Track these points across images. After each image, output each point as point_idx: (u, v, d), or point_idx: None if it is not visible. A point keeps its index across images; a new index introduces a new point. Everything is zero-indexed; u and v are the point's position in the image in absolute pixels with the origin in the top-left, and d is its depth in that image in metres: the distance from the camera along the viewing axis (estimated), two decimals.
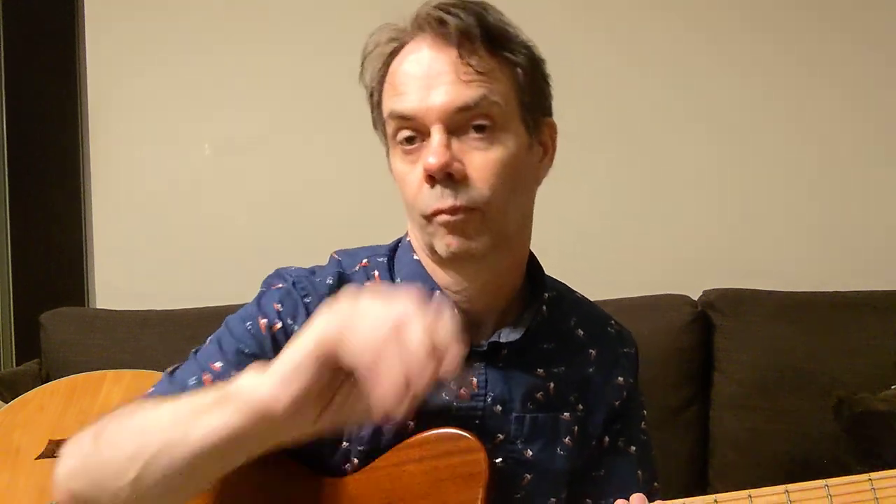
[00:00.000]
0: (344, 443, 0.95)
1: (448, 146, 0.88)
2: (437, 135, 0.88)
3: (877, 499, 0.85)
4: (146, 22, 2.17)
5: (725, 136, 2.14)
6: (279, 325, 0.94)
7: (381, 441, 0.95)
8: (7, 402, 1.54)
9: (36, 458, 1.39)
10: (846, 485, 0.86)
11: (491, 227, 0.90)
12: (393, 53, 0.93)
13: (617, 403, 1.05)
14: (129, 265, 2.21)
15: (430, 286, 0.96)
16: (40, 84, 2.19)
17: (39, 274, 2.19)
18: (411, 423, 0.94)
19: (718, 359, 1.90)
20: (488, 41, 0.89)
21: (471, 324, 0.97)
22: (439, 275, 0.96)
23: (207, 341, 0.98)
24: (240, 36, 2.17)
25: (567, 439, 1.00)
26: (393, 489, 0.94)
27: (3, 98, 2.18)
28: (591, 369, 1.04)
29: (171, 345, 1.82)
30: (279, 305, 0.95)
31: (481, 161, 0.89)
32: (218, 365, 0.92)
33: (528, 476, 0.99)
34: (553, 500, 1.01)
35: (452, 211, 0.88)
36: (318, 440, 0.92)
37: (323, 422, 0.74)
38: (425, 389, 0.65)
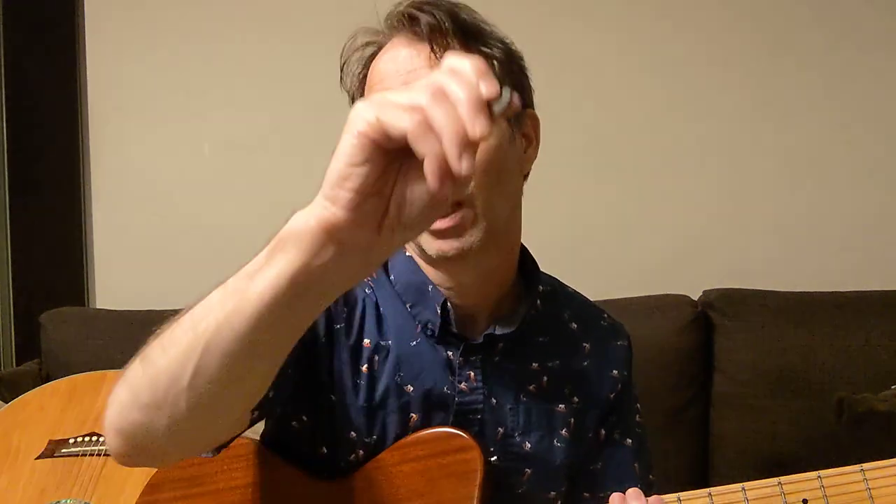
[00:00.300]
0: (352, 433, 0.96)
1: None
2: None
3: (869, 489, 0.86)
4: (146, 22, 2.17)
5: (725, 136, 2.14)
6: None
7: (386, 434, 0.96)
8: (7, 402, 1.54)
9: (36, 459, 1.39)
10: (838, 476, 0.87)
11: (482, 222, 0.90)
12: (372, 56, 0.94)
13: (612, 396, 1.06)
14: (129, 265, 2.21)
15: (423, 281, 0.97)
16: (40, 84, 2.18)
17: (39, 274, 2.19)
18: (414, 416, 0.95)
19: (718, 359, 1.90)
20: (462, 36, 0.90)
21: (465, 318, 0.98)
22: (431, 271, 0.97)
23: None
24: (240, 36, 2.17)
25: (564, 431, 1.01)
26: (389, 488, 0.95)
27: (3, 98, 2.18)
28: (585, 362, 1.05)
29: None
30: None
31: None
32: None
33: (528, 471, 0.99)
34: (553, 493, 1.02)
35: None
36: (327, 431, 0.94)
37: (385, 232, 0.62)
38: (482, 135, 0.55)
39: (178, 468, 1.01)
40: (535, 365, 1.01)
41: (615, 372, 1.07)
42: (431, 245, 0.90)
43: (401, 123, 0.56)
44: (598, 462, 1.05)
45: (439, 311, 0.95)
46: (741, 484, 0.89)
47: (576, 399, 1.03)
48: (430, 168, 0.55)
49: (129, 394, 0.74)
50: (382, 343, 0.97)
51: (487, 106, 0.56)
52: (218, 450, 0.88)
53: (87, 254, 2.22)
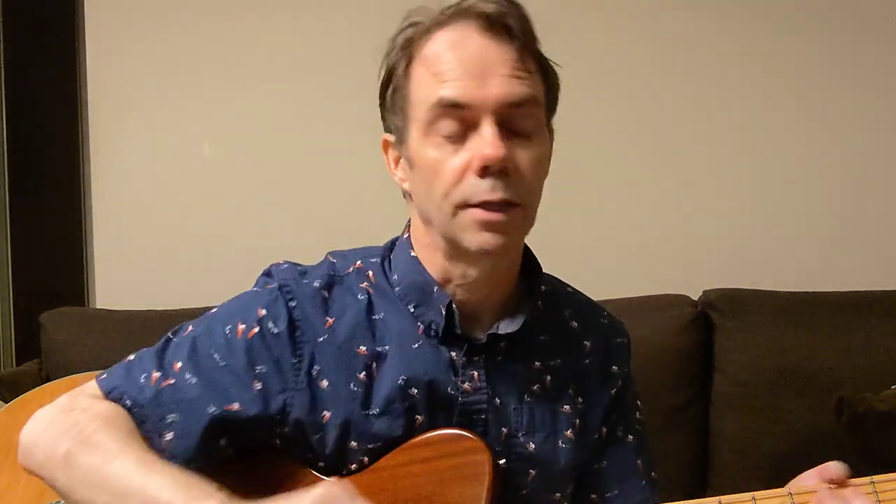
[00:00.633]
0: (352, 443, 0.95)
1: (502, 139, 0.88)
2: (491, 126, 0.88)
3: (879, 502, 0.85)
4: (146, 22, 2.17)
5: (725, 136, 2.14)
6: (256, 329, 0.95)
7: (392, 437, 0.95)
8: (7, 402, 1.54)
9: None
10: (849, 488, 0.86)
11: (526, 225, 0.94)
12: (424, 37, 0.91)
13: (613, 392, 1.06)
14: (129, 265, 2.21)
15: (428, 282, 0.97)
16: (40, 84, 2.18)
17: (39, 274, 2.19)
18: (419, 418, 0.95)
19: (718, 359, 1.90)
20: (533, 43, 0.92)
21: (469, 318, 0.98)
22: (437, 269, 0.96)
23: (188, 329, 0.99)
24: (240, 36, 2.17)
25: (569, 432, 1.01)
26: (396, 489, 0.94)
27: (3, 98, 2.17)
28: (587, 361, 1.04)
29: None
30: (263, 311, 0.96)
31: (526, 159, 0.90)
32: (178, 366, 0.96)
33: (533, 472, 0.99)
34: (558, 495, 1.01)
35: (501, 205, 0.88)
36: (323, 439, 0.95)
37: None
38: None
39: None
40: (537, 364, 1.01)
41: (615, 368, 1.07)
42: (475, 238, 0.90)
43: None
44: (602, 461, 1.05)
45: (444, 312, 0.95)
46: (751, 493, 0.89)
47: (580, 399, 1.02)
48: None
49: (43, 460, 0.92)
50: (379, 349, 0.96)
51: None
52: None
53: (87, 254, 2.21)
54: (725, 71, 2.13)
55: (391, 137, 0.96)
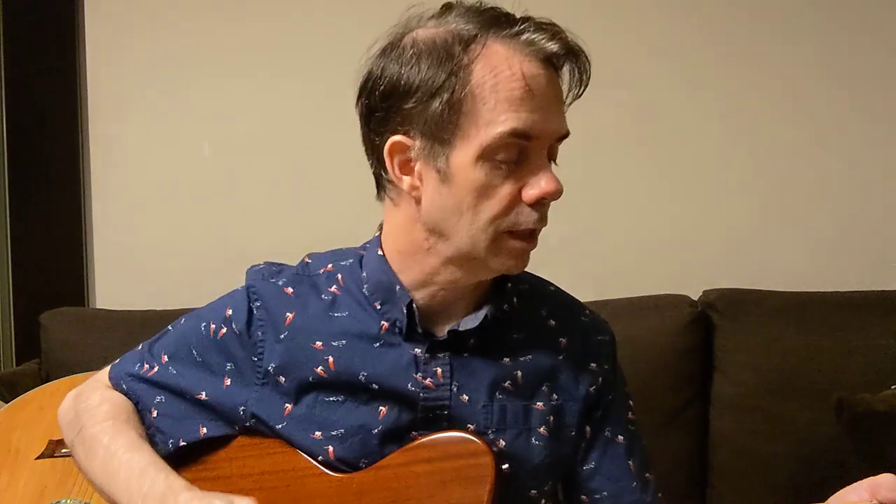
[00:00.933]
0: (317, 432, 0.99)
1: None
2: (546, 159, 0.93)
3: None
4: (146, 22, 2.17)
5: (725, 136, 2.14)
6: (224, 329, 1.03)
7: (357, 425, 0.98)
8: (7, 402, 1.54)
9: (36, 458, 1.39)
10: None
11: None
12: (484, 52, 0.89)
13: (592, 389, 1.05)
14: (129, 265, 2.21)
15: (392, 281, 0.99)
16: (40, 84, 2.18)
17: (39, 274, 2.19)
18: (383, 409, 0.98)
19: (718, 359, 1.90)
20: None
21: (442, 314, 1.00)
22: (421, 271, 0.98)
23: (180, 324, 1.09)
24: (240, 36, 2.17)
25: (542, 429, 1.01)
26: (399, 488, 0.95)
27: (4, 98, 2.18)
28: (560, 357, 1.05)
29: None
30: (230, 311, 1.03)
31: None
32: (165, 358, 1.06)
33: (503, 466, 0.99)
34: (534, 492, 1.02)
35: (536, 233, 0.94)
36: (286, 430, 0.99)
37: None
38: None
39: (188, 452, 1.03)
40: (506, 360, 1.02)
41: (594, 365, 1.06)
42: (505, 263, 0.95)
43: None
44: (591, 462, 1.05)
45: (405, 311, 0.98)
46: None
47: (555, 396, 1.03)
48: None
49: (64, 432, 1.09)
50: (335, 344, 0.99)
51: None
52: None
53: (87, 254, 2.22)
54: (724, 72, 2.13)
55: (408, 141, 0.92)
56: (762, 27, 2.11)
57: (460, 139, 0.90)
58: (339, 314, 1.01)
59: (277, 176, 2.18)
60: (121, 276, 2.21)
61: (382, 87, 0.93)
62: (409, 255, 0.98)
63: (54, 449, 1.41)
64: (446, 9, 0.94)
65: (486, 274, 0.98)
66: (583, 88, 0.94)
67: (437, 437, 0.96)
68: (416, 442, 0.97)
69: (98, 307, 2.20)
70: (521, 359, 1.02)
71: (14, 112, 2.18)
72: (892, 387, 1.68)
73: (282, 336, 1.00)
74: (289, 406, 0.99)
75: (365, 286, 1.01)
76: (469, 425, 0.99)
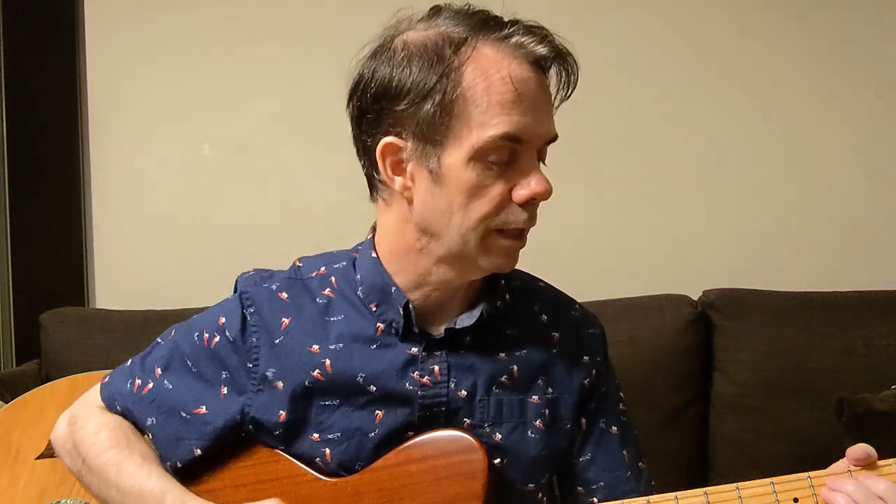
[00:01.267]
0: (313, 435, 0.99)
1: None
2: (536, 160, 0.94)
3: None
4: (146, 22, 2.17)
5: (725, 136, 2.14)
6: (217, 338, 1.03)
7: (352, 429, 0.99)
8: (7, 402, 1.54)
9: (36, 458, 1.39)
10: (827, 476, 0.91)
11: None
12: (474, 55, 0.90)
13: (586, 382, 1.07)
14: (129, 265, 2.21)
15: (387, 283, 1.00)
16: (40, 84, 2.18)
17: (39, 274, 2.19)
18: (379, 413, 0.98)
19: (718, 359, 1.90)
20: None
21: (435, 314, 1.01)
22: (415, 272, 0.99)
23: (171, 335, 1.08)
24: (240, 36, 2.17)
25: (538, 422, 1.02)
26: (394, 488, 0.96)
27: (3, 98, 2.18)
28: (554, 350, 1.06)
29: None
30: (223, 319, 1.03)
31: None
32: (159, 371, 1.05)
33: (500, 461, 1.01)
34: (531, 485, 1.03)
35: (524, 232, 0.95)
36: (283, 435, 1.00)
37: None
38: None
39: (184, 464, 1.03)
40: (502, 355, 1.03)
41: (586, 358, 1.08)
42: (494, 261, 0.96)
43: None
44: (587, 454, 1.06)
45: (401, 312, 0.99)
46: (735, 484, 0.94)
47: (550, 389, 1.04)
48: None
49: (65, 460, 1.09)
50: (332, 347, 1.00)
51: None
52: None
53: (87, 254, 2.22)
54: (724, 72, 2.13)
55: (400, 142, 0.93)
56: (763, 27, 2.12)
57: (452, 140, 0.90)
58: (334, 317, 1.01)
59: (278, 176, 2.18)
60: (121, 276, 2.21)
61: (374, 89, 0.93)
62: (402, 256, 0.99)
63: (54, 449, 1.40)
64: (435, 12, 0.95)
65: (477, 273, 0.99)
66: (571, 90, 0.94)
67: (430, 436, 0.97)
68: (410, 442, 0.98)
69: (98, 307, 2.20)
70: (517, 354, 1.03)
71: (14, 112, 2.18)
72: (892, 387, 1.69)
73: (277, 341, 1.01)
74: (284, 411, 1.00)
75: (359, 288, 1.01)
76: (466, 420, 1.00)
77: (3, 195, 2.19)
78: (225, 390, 1.02)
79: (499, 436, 1.01)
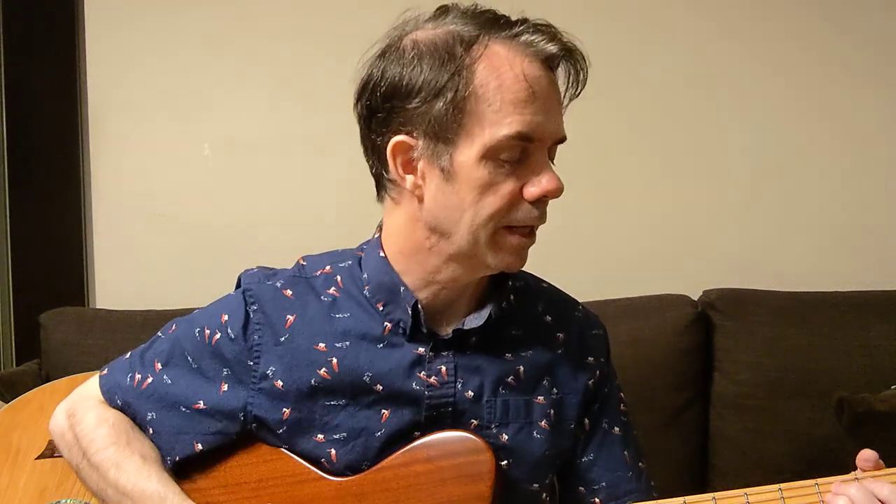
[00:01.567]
0: (318, 435, 0.99)
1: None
2: (546, 158, 0.94)
3: None
4: (146, 22, 2.17)
5: (725, 136, 2.14)
6: (219, 335, 1.02)
7: (358, 428, 0.98)
8: (7, 402, 1.54)
9: (36, 458, 1.39)
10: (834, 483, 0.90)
11: None
12: (486, 54, 0.90)
13: (591, 383, 1.07)
14: (129, 265, 2.21)
15: (395, 282, 0.99)
16: (40, 85, 2.18)
17: (39, 274, 2.19)
18: (385, 412, 0.98)
19: (718, 359, 1.90)
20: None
21: (442, 313, 1.01)
22: (423, 270, 0.99)
23: (172, 329, 1.07)
24: (240, 36, 2.17)
25: (543, 423, 1.03)
26: (399, 489, 0.96)
27: (3, 99, 2.17)
28: (559, 351, 1.06)
29: None
30: (226, 316, 1.03)
31: None
32: (159, 366, 1.04)
33: (506, 462, 1.00)
34: (535, 486, 1.03)
35: (534, 230, 0.95)
36: (287, 434, 0.99)
37: None
38: None
39: (185, 462, 1.03)
40: (508, 356, 1.03)
41: (591, 359, 1.08)
42: (504, 259, 0.95)
43: None
44: (590, 454, 1.07)
45: (410, 311, 0.98)
46: (744, 490, 0.93)
47: (555, 390, 1.04)
48: None
49: (65, 453, 1.08)
50: (338, 345, 0.99)
51: None
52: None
53: (87, 254, 2.22)
54: (723, 72, 2.13)
55: (411, 141, 0.92)
56: (762, 27, 2.12)
57: (464, 138, 0.90)
58: (340, 315, 1.01)
59: (278, 176, 2.18)
60: (121, 276, 2.21)
61: (384, 89, 0.93)
62: (411, 256, 0.99)
63: (54, 449, 1.40)
64: (443, 12, 0.95)
65: (485, 271, 0.98)
66: (580, 88, 0.94)
67: (436, 437, 0.97)
68: (416, 442, 0.97)
69: (98, 307, 2.19)
70: (523, 354, 1.04)
71: (14, 112, 2.18)
72: (893, 387, 1.68)
73: (282, 339, 1.00)
74: (287, 410, 0.99)
75: (366, 288, 1.01)
76: (473, 420, 1.00)
77: (3, 195, 2.19)
78: (225, 387, 1.01)
79: (505, 437, 1.01)
